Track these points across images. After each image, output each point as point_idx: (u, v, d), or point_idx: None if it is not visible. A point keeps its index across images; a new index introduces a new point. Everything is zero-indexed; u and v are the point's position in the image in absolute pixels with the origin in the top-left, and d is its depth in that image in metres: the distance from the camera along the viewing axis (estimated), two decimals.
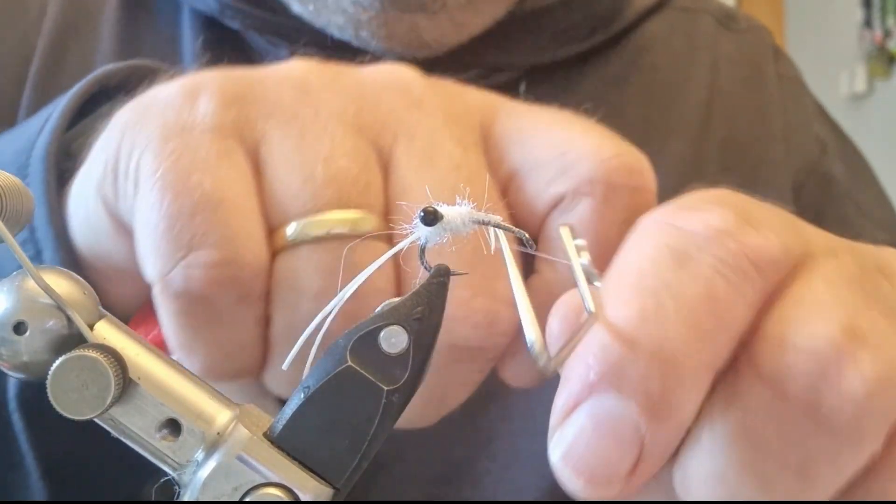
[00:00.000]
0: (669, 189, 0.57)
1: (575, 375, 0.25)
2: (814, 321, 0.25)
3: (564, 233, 0.29)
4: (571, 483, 0.25)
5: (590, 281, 0.27)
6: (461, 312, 0.31)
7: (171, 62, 0.41)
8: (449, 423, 0.51)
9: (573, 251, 0.28)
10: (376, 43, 0.52)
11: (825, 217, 0.61)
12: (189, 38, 0.55)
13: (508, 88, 0.58)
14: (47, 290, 0.23)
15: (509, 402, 0.51)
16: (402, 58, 0.54)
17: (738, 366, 0.25)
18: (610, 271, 0.27)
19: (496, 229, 0.26)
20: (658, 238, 0.27)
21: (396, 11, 0.50)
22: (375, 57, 0.54)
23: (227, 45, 0.53)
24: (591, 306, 0.25)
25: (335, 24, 0.52)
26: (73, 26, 0.56)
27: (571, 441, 0.25)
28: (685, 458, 0.25)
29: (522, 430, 0.51)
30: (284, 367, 0.27)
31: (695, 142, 0.60)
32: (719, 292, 0.25)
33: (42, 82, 0.54)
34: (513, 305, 0.29)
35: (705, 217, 0.27)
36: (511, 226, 0.26)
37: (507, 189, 0.34)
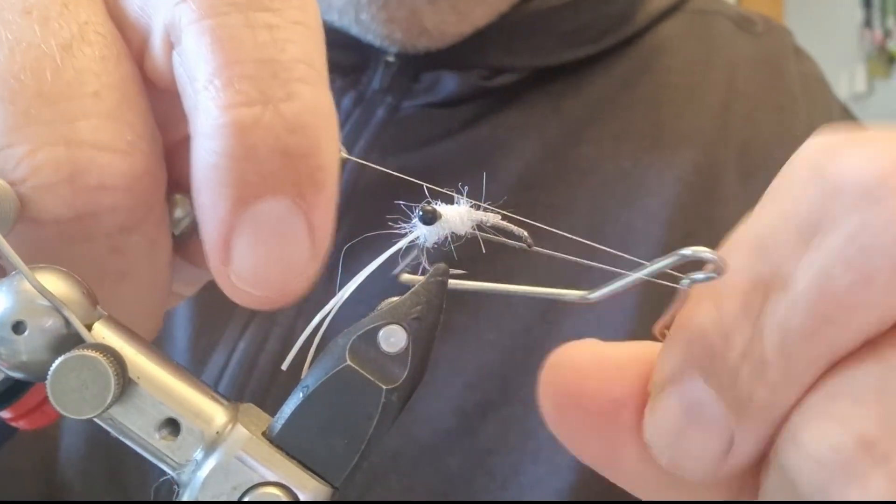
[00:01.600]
0: (680, 197, 0.57)
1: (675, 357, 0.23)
2: (831, 427, 0.21)
3: None
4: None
5: None
6: (21, 174, 0.23)
7: None
8: (445, 436, 0.51)
9: None
10: (377, 27, 0.52)
11: None
12: None
13: (514, 90, 0.58)
14: (43, 291, 0.23)
15: (509, 416, 0.50)
16: (404, 48, 0.54)
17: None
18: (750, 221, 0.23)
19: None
20: (803, 197, 0.22)
21: None
22: (374, 50, 0.55)
23: None
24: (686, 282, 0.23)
25: (336, 6, 0.52)
26: None
27: (659, 425, 0.23)
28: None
29: (522, 448, 0.50)
30: (284, 367, 0.27)
31: (710, 148, 0.58)
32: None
33: None
34: (113, 150, 0.24)
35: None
36: (511, 225, 0.26)
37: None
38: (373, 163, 0.54)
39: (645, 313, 0.50)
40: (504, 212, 0.26)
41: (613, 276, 0.25)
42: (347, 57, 0.55)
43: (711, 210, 0.56)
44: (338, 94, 0.56)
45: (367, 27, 0.52)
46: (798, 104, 0.62)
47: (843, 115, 0.66)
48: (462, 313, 0.52)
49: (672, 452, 0.23)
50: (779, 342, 0.21)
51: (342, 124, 0.55)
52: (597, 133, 0.58)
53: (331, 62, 0.57)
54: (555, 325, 0.52)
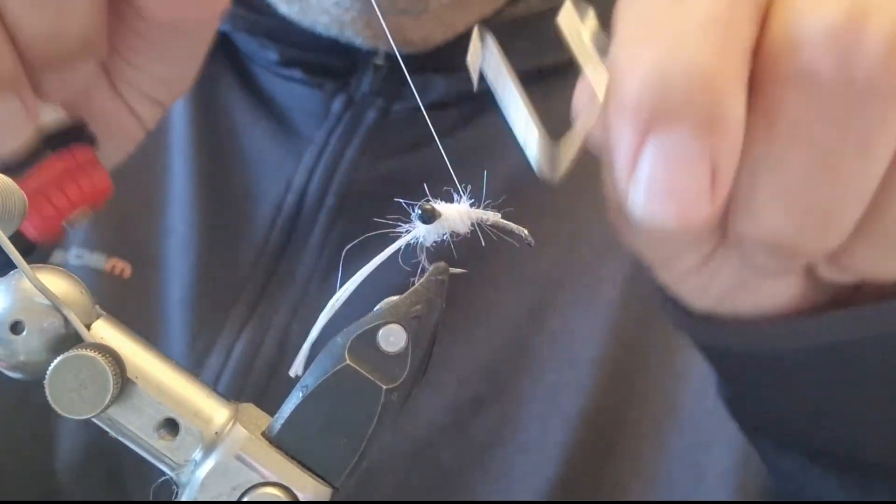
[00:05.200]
0: None
1: (626, 130, 0.25)
2: (814, 7, 0.24)
3: (565, 14, 0.29)
4: (663, 218, 0.26)
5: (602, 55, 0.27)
6: None
7: None
8: (439, 431, 0.51)
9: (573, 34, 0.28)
10: (361, 41, 0.52)
11: None
12: None
13: None
14: (43, 290, 0.23)
15: (501, 411, 0.51)
16: (389, 54, 0.54)
17: (762, 78, 0.25)
18: (618, 16, 0.27)
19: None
20: None
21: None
22: (363, 53, 0.55)
23: (217, 49, 0.53)
24: (600, 94, 0.26)
25: (321, 23, 0.52)
26: None
27: (649, 180, 0.25)
28: (752, 189, 0.26)
29: (514, 441, 0.50)
30: (291, 373, 0.26)
31: None
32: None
33: None
34: None
35: None
36: (510, 223, 0.26)
37: None
38: (365, 166, 0.54)
39: (630, 306, 0.51)
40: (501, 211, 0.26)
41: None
42: (336, 60, 0.56)
43: None
44: (328, 97, 0.56)
45: (353, 40, 0.52)
46: None
47: None
48: (453, 310, 0.52)
49: (672, 196, 0.25)
50: (710, 52, 0.24)
51: (333, 127, 0.55)
52: None
53: (320, 65, 0.57)
54: (544, 322, 0.52)
